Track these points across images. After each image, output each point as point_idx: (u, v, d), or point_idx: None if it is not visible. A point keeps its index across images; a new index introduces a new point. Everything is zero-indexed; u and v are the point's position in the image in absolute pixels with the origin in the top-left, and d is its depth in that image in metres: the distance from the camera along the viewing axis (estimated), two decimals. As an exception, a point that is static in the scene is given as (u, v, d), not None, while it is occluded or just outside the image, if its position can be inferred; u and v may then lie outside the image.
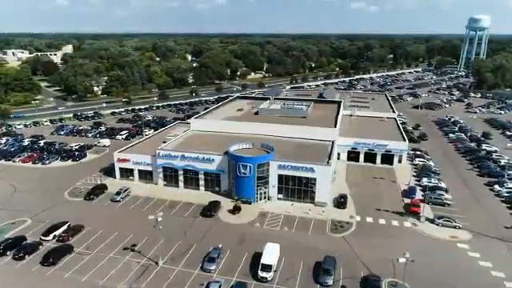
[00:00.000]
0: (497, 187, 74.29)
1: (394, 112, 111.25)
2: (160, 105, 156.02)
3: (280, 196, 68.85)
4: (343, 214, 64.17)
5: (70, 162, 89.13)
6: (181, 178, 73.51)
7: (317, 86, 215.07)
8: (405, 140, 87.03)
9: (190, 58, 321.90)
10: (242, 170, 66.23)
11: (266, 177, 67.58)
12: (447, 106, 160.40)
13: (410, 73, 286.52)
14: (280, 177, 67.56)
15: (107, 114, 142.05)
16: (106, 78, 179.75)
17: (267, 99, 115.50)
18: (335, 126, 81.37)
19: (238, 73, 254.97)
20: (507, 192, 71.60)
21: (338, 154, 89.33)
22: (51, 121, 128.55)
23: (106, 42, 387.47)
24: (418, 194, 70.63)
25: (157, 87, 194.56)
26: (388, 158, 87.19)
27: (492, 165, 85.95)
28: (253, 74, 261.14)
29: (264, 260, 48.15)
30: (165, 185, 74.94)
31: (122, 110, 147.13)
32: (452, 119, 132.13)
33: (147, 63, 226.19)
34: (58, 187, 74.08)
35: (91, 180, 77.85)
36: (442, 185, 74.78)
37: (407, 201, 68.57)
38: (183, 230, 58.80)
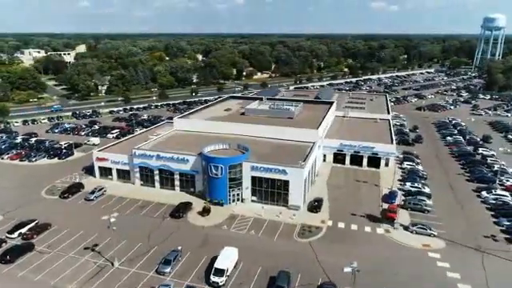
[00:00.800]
0: (484, 194, 70.81)
1: (388, 113, 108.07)
2: (159, 104, 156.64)
3: (254, 198, 67.46)
4: (315, 218, 62.27)
5: (56, 160, 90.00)
6: (157, 177, 73.02)
7: (321, 86, 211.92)
8: (392, 143, 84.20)
9: (200, 57, 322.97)
10: (214, 171, 65.13)
11: (239, 178, 66.30)
12: (452, 107, 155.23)
13: (422, 74, 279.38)
14: (253, 178, 66.17)
15: (105, 112, 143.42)
16: (108, 77, 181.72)
17: (259, 99, 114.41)
18: (317, 128, 79.23)
19: (244, 73, 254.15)
20: (494, 199, 68.15)
21: (324, 156, 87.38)
22: (49, 119, 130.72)
23: (120, 42, 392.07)
24: (399, 200, 67.99)
25: (160, 87, 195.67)
26: (375, 161, 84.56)
27: (485, 170, 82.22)
28: (259, 74, 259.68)
29: (217, 264, 46.92)
30: (141, 184, 74.58)
31: (121, 108, 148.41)
32: (453, 121, 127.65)
33: (154, 63, 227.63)
34: (37, 185, 74.75)
35: (72, 178, 78.24)
36: (426, 190, 71.80)
37: (386, 206, 66.09)
38: (148, 231, 58.13)
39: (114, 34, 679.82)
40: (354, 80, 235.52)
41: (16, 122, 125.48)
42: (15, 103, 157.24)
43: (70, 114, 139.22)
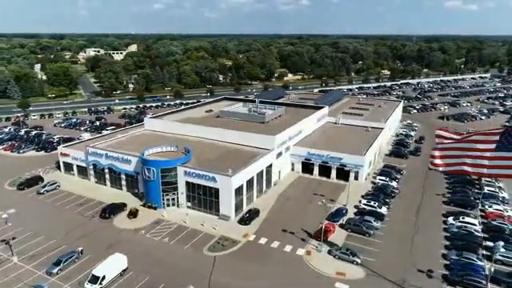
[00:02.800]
0: (450, 220, 61.17)
1: (384, 122, 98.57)
2: (172, 103, 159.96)
3: (189, 204, 65.23)
4: (240, 230, 58.36)
5: (42, 153, 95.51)
6: (107, 176, 73.94)
7: (349, 90, 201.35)
8: (364, 154, 76.32)
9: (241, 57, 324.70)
10: (147, 174, 64.10)
11: (174, 182, 64.55)
12: (483, 118, 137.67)
13: (473, 79, 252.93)
14: (188, 184, 64.00)
15: (119, 109, 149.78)
16: (135, 75, 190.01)
17: (251, 101, 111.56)
18: (276, 135, 74.42)
19: (276, 74, 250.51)
20: (458, 227, 58.51)
21: (293, 165, 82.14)
22: (65, 113, 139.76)
23: (176, 43, 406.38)
24: (344, 219, 61.35)
25: (184, 86, 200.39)
26: (344, 173, 77.55)
27: (470, 192, 71.19)
28: (290, 75, 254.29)
29: (95, 271, 45.73)
30: (96, 182, 76.07)
31: (134, 106, 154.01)
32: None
33: (186, 62, 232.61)
34: (7, 175, 79.52)
35: (41, 171, 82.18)
36: (382, 210, 63.89)
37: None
38: (70, 229, 58.77)
39: (180, 35, 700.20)
40: (388, 84, 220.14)
41: (33, 116, 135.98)
42: (48, 98, 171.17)
43: (86, 109, 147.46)
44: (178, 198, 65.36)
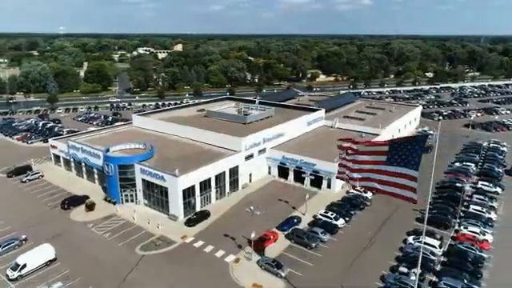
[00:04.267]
0: (410, 239, 55.28)
1: (381, 128, 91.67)
2: (191, 102, 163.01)
3: (146, 202, 65.97)
4: (182, 231, 57.77)
5: (47, 144, 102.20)
6: (84, 169, 77.23)
7: (379, 92, 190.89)
8: (336, 162, 71.54)
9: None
10: (106, 169, 65.92)
11: (132, 179, 65.66)
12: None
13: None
14: (144, 181, 64.72)
15: (138, 106, 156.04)
16: (162, 74, 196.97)
17: (251, 102, 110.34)
18: (244, 137, 72.56)
19: (309, 75, 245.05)
20: (414, 248, 52.61)
21: (269, 168, 79.68)
22: (88, 108, 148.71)
23: (224, 43, 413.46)
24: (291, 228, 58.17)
25: (211, 85, 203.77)
26: (317, 180, 73.54)
27: (451, 210, 63.67)
28: (323, 76, 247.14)
29: (18, 258, 47.90)
30: (76, 174, 79.81)
31: (153, 103, 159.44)
32: (492, 145, 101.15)
33: (217, 62, 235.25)
34: (7, 163, 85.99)
35: (33, 161, 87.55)
36: (338, 222, 59.49)
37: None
38: (29, 217, 62.12)
39: (233, 35, 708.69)
40: (426, 88, 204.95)
41: (59, 109, 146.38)
42: (81, 93, 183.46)
43: (108, 105, 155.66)
44: (135, 194, 66.43)
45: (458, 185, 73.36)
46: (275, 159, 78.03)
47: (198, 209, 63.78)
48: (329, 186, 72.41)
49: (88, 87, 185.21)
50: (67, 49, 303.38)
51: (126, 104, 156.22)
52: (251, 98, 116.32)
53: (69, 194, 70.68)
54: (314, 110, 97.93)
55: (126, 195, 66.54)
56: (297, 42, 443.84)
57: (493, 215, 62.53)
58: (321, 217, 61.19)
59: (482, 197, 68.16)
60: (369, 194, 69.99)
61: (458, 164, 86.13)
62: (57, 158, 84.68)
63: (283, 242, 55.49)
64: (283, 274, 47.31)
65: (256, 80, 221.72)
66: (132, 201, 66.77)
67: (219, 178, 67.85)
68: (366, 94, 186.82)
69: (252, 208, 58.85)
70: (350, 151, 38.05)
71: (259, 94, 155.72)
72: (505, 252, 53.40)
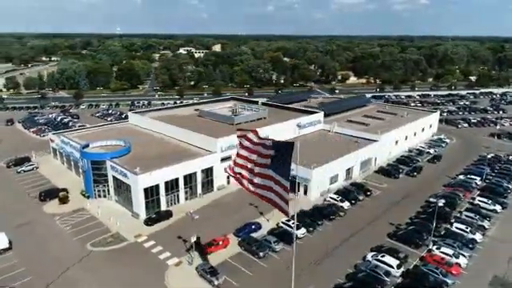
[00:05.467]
0: (369, 256, 50.67)
1: (379, 135, 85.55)
2: (195, 101, 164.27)
3: (116, 198, 66.87)
4: (139, 230, 57.66)
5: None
6: (72, 163, 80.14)
7: (408, 96, 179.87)
8: (312, 168, 67.72)
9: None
10: (81, 164, 67.76)
11: (105, 175, 66.90)
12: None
13: None
14: (114, 178, 65.64)
15: (157, 104, 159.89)
16: (188, 73, 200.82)
17: (255, 102, 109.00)
18: (218, 137, 71.13)
19: (340, 76, 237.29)
20: (367, 266, 48.18)
21: (251, 171, 77.42)
22: (109, 105, 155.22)
23: (265, 43, 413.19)
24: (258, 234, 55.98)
25: (236, 85, 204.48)
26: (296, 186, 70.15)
27: (430, 226, 57.47)
28: (353, 78, 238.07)
29: (-31, 245, 50.43)
30: (67, 168, 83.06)
31: (172, 102, 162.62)
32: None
33: (254, 63, 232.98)
34: (9, 154, 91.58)
35: (33, 153, 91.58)
36: (298, 232, 56.03)
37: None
38: (4, 206, 65.12)
39: (281, 36, 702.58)
40: (463, 92, 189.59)
41: (82, 106, 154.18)
42: (111, 90, 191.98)
43: (129, 102, 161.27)
44: (108, 190, 67.61)
45: (450, 200, 66.50)
46: (256, 162, 75.66)
47: (163, 208, 63.48)
48: (305, 193, 68.95)
49: (117, 85, 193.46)
50: (111, 48, 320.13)
51: (146, 102, 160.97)
52: (255, 100, 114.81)
53: (53, 186, 73.75)
54: (311, 113, 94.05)
55: (99, 190, 67.95)
56: (340, 42, 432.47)
57: (478, 236, 55.64)
58: (282, 225, 58.23)
59: (472, 214, 61.05)
60: (345, 204, 65.54)
61: (461, 177, 78.20)
62: (55, 151, 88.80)
63: (234, 249, 53.46)
64: (216, 283, 45.40)
65: (282, 81, 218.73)
66: (105, 196, 68.06)
67: (189, 178, 67.09)
68: (393, 97, 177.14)
69: (191, 212, 57.46)
70: (242, 146, 36.52)
71: (269, 96, 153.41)
72: (476, 279, 47.29)
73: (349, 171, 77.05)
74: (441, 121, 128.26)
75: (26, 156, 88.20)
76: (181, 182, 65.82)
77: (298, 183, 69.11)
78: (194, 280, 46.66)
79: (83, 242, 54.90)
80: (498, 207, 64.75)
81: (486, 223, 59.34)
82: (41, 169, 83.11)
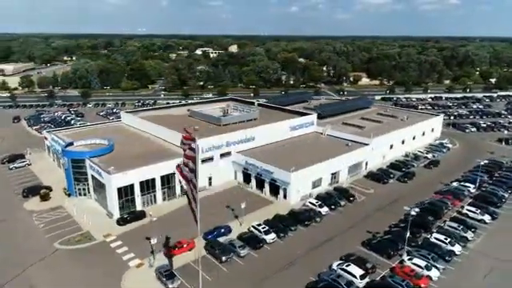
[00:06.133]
0: (334, 264, 48.56)
1: (370, 138, 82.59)
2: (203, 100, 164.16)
3: (96, 197, 67.23)
4: (109, 230, 57.63)
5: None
6: (61, 161, 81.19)
7: (419, 99, 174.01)
8: (291, 171, 65.79)
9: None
10: (62, 161, 68.54)
11: (85, 174, 67.39)
12: None
13: None
14: (92, 177, 66.02)
15: (163, 103, 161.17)
16: (197, 73, 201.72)
17: (251, 103, 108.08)
18: (199, 139, 70.20)
19: (352, 78, 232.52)
20: (330, 276, 46.15)
21: (235, 173, 76.51)
22: (115, 104, 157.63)
23: (283, 43, 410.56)
24: (226, 238, 55.01)
25: (245, 85, 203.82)
26: (276, 190, 68.69)
27: (407, 236, 54.69)
28: (366, 79, 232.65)
29: None
30: (58, 165, 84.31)
31: (177, 101, 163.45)
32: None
33: (263, 63, 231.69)
34: (7, 151, 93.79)
35: (28, 151, 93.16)
36: (267, 237, 54.60)
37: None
38: (-10, 202, 67.08)
39: (307, 36, 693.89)
40: (480, 95, 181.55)
41: (89, 104, 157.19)
42: (122, 89, 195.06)
43: (135, 101, 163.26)
44: (88, 188, 68.09)
45: (435, 208, 63.27)
46: (240, 164, 74.63)
47: (138, 208, 63.30)
48: (285, 197, 67.25)
49: (128, 84, 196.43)
50: (128, 48, 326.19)
51: (152, 102, 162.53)
52: (253, 101, 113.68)
53: (40, 183, 75.01)
54: (304, 114, 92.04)
55: (80, 189, 68.53)
56: (361, 43, 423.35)
57: (457, 248, 52.47)
58: (253, 229, 56.84)
59: (456, 225, 57.75)
60: (324, 210, 63.42)
61: (455, 184, 74.42)
62: (48, 148, 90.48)
63: (199, 252, 52.43)
64: (170, 286, 44.59)
65: (291, 81, 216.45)
66: (85, 194, 68.59)
67: (167, 178, 66.65)
68: (403, 99, 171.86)
69: (151, 214, 56.84)
70: (190, 147, 36.36)
71: (275, 96, 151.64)
72: (445, 294, 44.54)
73: (335, 175, 74.72)
74: (448, 125, 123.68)
75: (20, 153, 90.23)
76: (158, 183, 65.50)
77: (278, 186, 68.01)
78: (150, 283, 46.03)
79: (52, 240, 55.26)
80: (486, 217, 61.03)
81: (469, 234, 55.96)
82: (33, 166, 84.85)
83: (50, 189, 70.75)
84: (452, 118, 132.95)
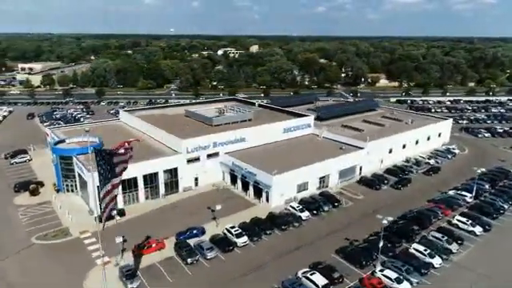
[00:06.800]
0: (299, 272, 46.85)
1: (365, 142, 79.56)
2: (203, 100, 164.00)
3: (81, 193, 68.46)
4: (86, 226, 58.32)
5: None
6: (51, 157, 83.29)
7: (437, 102, 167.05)
8: (273, 174, 64.23)
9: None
10: (51, 157, 70.31)
11: (72, 170, 68.81)
12: None
13: None
14: (78, 174, 67.28)
15: (175, 102, 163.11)
16: (212, 73, 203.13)
17: (252, 104, 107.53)
18: (184, 138, 70.17)
19: (370, 79, 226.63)
20: (293, 283, 44.58)
21: (223, 173, 75.91)
22: (127, 103, 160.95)
23: (306, 44, 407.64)
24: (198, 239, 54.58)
25: (259, 85, 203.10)
26: (259, 192, 67.51)
27: (383, 246, 52.14)
28: (385, 81, 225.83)
29: None
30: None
31: (188, 101, 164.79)
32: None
33: (277, 64, 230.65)
34: (16, 146, 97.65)
35: (32, 146, 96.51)
36: (238, 240, 53.54)
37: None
38: (-17, 195, 69.66)
39: (334, 37, 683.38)
40: (504, 99, 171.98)
41: (103, 103, 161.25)
42: (138, 88, 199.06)
43: (147, 101, 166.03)
44: (75, 185, 69.48)
45: (422, 217, 60.08)
46: (227, 165, 73.93)
47: (120, 206, 63.81)
48: (267, 200, 65.94)
49: (143, 84, 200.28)
50: (151, 48, 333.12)
51: (163, 100, 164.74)
52: (255, 101, 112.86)
53: (36, 178, 77.36)
54: (301, 116, 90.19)
55: (67, 185, 70.06)
56: (387, 43, 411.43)
57: (436, 261, 49.44)
58: (226, 232, 55.99)
59: (440, 235, 54.51)
60: (304, 214, 61.63)
61: (451, 192, 70.50)
62: (49, 144, 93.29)
63: (168, 253, 52.30)
64: (130, 286, 44.52)
65: (306, 82, 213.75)
66: (72, 191, 70.05)
67: (150, 177, 66.91)
68: (420, 102, 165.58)
69: (114, 213, 56.82)
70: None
71: (287, 97, 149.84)
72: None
73: (323, 179, 72.57)
74: (461, 129, 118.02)
75: (23, 148, 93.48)
76: (140, 182, 65.88)
77: (261, 189, 66.85)
78: (111, 282, 45.93)
79: (31, 234, 56.61)
80: (478, 229, 57.27)
81: (453, 246, 52.65)
82: (33, 161, 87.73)
83: (41, 184, 72.82)
84: (465, 122, 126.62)
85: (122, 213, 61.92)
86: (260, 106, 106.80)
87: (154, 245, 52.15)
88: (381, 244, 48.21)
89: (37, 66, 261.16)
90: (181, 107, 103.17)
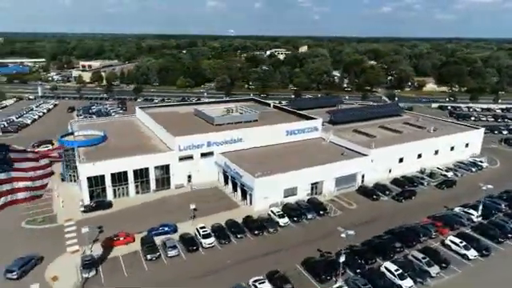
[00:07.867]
0: (250, 281, 44.98)
1: (369, 149, 74.47)
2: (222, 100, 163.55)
3: (78, 184, 72.13)
4: (73, 215, 61.51)
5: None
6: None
7: (487, 109, 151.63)
8: (256, 176, 62.40)
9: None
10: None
11: (74, 161, 72.88)
12: None
13: None
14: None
15: (205, 101, 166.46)
16: (251, 73, 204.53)
17: (267, 105, 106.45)
18: (177, 136, 70.88)
19: (416, 83, 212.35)
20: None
21: (218, 173, 75.72)
22: (162, 99, 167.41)
23: (360, 45, 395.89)
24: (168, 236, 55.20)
25: (295, 87, 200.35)
26: (245, 194, 66.32)
27: (359, 262, 48.28)
28: (433, 85, 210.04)
29: None
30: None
31: (213, 100, 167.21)
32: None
33: (314, 65, 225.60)
34: (41, 136, 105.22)
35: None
36: (205, 241, 53.02)
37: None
38: None
39: (401, 38, 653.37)
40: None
41: (139, 99, 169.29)
42: (177, 86, 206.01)
43: (179, 98, 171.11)
44: (76, 175, 73.53)
45: (409, 234, 54.86)
46: (220, 165, 73.61)
47: (109, 199, 66.36)
48: (251, 202, 64.53)
49: (182, 82, 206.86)
50: (198, 48, 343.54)
51: (195, 99, 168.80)
52: (271, 102, 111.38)
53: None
54: (308, 118, 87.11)
55: (70, 175, 74.38)
56: (454, 45, 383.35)
57: (407, 283, 44.68)
58: (196, 232, 55.70)
59: (421, 256, 49.26)
60: (283, 221, 59.28)
61: (457, 209, 63.55)
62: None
63: (136, 247, 53.25)
64: (84, 276, 46.04)
65: (345, 84, 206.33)
66: (75, 181, 74.22)
67: (141, 172, 68.69)
68: (465, 109, 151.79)
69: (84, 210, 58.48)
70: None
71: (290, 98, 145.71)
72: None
73: (316, 186, 69.26)
74: (500, 140, 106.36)
75: (49, 139, 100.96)
76: (130, 176, 67.90)
77: (246, 191, 65.77)
78: (70, 270, 47.95)
79: (22, 219, 60.77)
80: (471, 253, 50.95)
81: (434, 270, 47.31)
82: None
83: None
84: (506, 132, 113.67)
85: (109, 205, 64.31)
86: (275, 107, 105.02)
87: (122, 238, 53.41)
88: (342, 259, 44.67)
89: (95, 64, 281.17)
90: (192, 106, 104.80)
